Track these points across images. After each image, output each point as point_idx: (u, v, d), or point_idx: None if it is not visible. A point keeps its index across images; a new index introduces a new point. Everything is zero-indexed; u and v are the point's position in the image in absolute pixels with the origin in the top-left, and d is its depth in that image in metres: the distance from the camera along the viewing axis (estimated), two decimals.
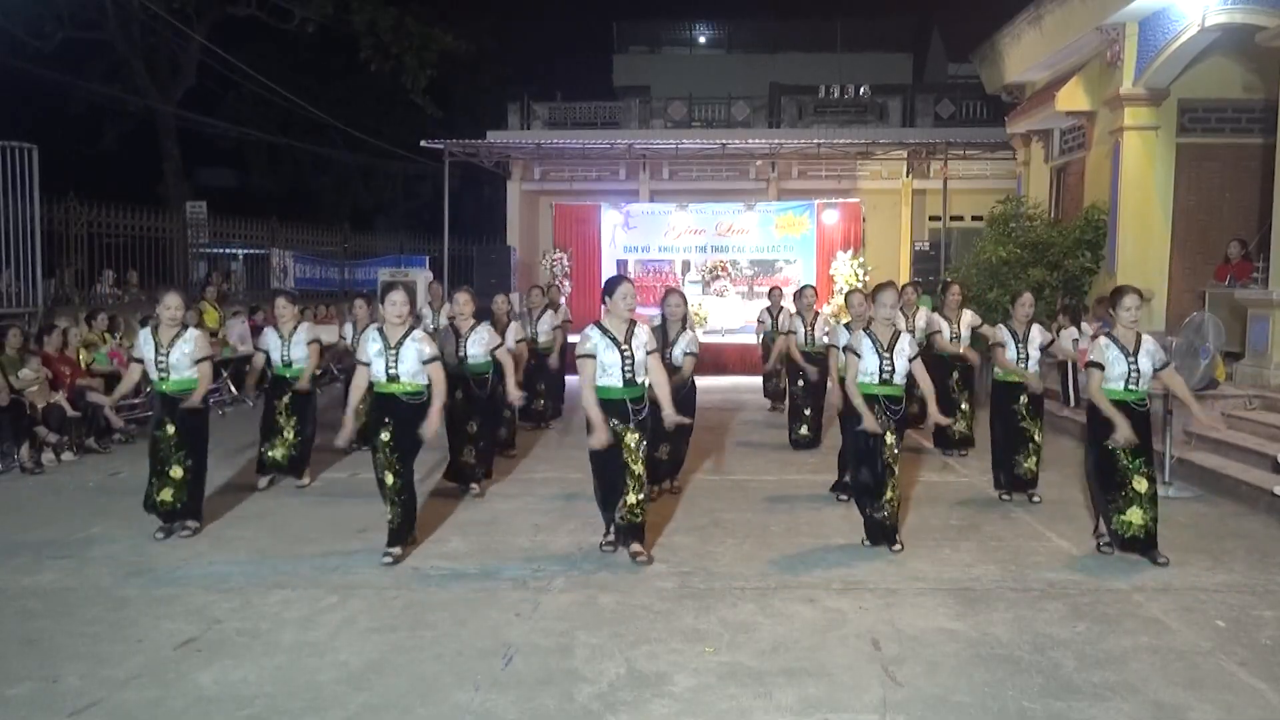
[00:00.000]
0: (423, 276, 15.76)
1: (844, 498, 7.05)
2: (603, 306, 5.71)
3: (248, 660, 4.21)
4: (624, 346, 5.47)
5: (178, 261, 14.39)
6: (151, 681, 4.00)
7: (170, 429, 6.08)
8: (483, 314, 9.33)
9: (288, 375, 7.61)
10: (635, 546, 5.62)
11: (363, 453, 8.70)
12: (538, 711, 3.76)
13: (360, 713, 3.75)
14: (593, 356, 5.48)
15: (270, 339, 7.68)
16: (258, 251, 16.68)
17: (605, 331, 5.50)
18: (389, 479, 5.66)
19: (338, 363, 13.09)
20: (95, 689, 3.92)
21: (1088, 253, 12.16)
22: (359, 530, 6.26)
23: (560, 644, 4.39)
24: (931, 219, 19.34)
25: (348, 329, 9.54)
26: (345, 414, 5.79)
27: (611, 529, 5.74)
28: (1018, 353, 7.15)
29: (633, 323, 5.58)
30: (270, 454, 7.53)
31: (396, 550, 5.65)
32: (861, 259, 17.74)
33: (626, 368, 5.47)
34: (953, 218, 18.35)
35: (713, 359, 15.78)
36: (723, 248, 18.57)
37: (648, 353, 5.55)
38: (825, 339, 8.43)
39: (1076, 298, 12.28)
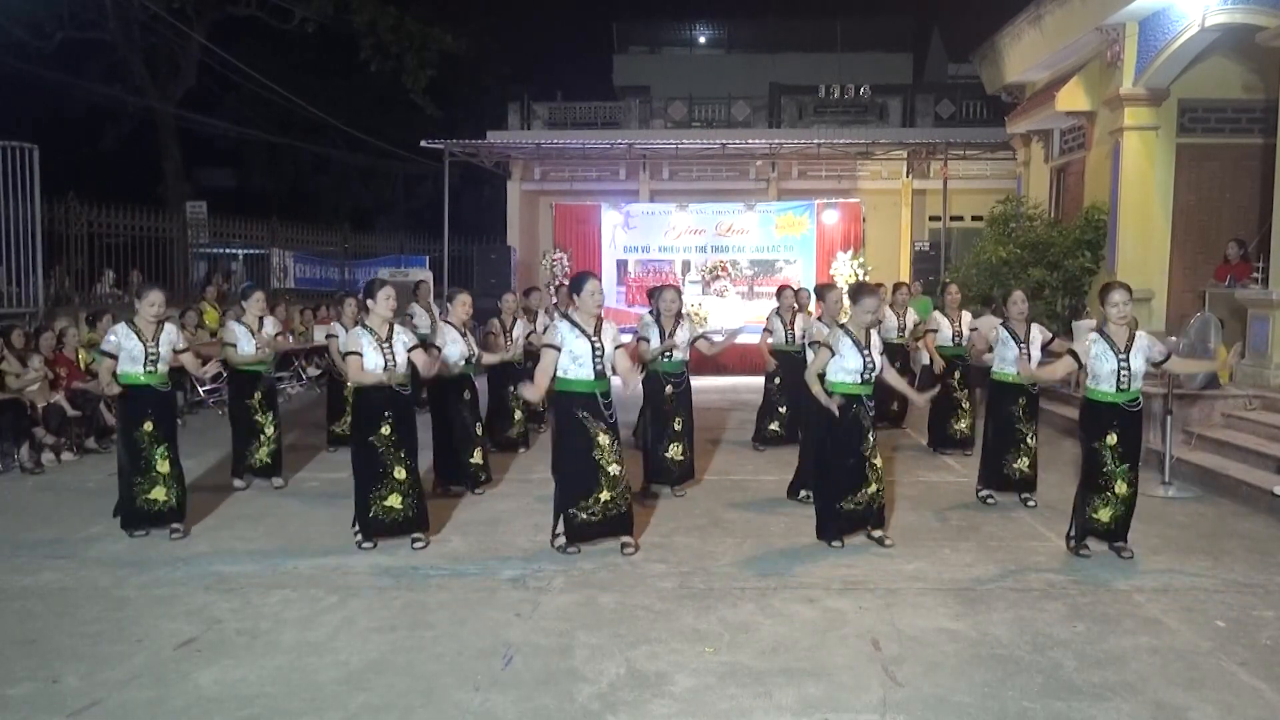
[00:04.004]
0: (421, 276, 15.77)
1: (805, 496, 6.83)
2: (571, 302, 5.84)
3: (248, 660, 4.21)
4: (593, 338, 5.59)
5: (178, 261, 14.39)
6: (151, 681, 4.00)
7: (149, 425, 6.08)
8: (488, 313, 9.36)
9: (260, 370, 7.60)
10: (625, 538, 5.76)
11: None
12: (538, 711, 3.76)
13: (360, 713, 3.75)
14: (556, 347, 5.56)
15: (240, 332, 7.53)
16: (258, 251, 16.70)
17: (574, 324, 5.61)
18: (400, 473, 5.81)
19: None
20: (95, 689, 3.92)
21: (1088, 253, 12.16)
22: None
23: (560, 644, 4.39)
24: (931, 219, 19.35)
25: (337, 328, 9.35)
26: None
27: (562, 525, 5.71)
28: (1020, 353, 6.87)
29: (599, 319, 5.70)
30: (256, 454, 7.48)
31: (425, 536, 5.92)
32: (861, 259, 17.72)
33: (597, 358, 5.58)
34: (953, 218, 18.36)
35: (712, 359, 15.75)
36: (723, 248, 18.54)
37: (616, 347, 5.70)
38: (803, 339, 8.42)
39: (1076, 298, 12.28)
